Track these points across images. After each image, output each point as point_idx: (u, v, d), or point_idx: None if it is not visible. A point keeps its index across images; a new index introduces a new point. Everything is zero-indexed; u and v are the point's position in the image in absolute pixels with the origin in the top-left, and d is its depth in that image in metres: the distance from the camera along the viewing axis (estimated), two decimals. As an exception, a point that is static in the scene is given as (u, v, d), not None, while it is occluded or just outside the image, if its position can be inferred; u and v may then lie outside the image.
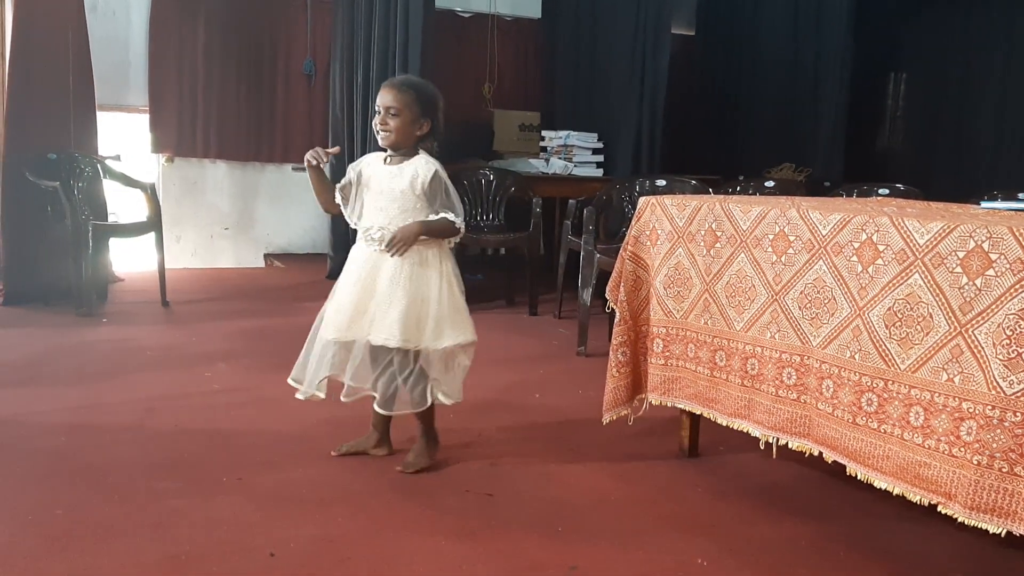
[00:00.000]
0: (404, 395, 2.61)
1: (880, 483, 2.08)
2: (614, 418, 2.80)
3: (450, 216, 2.54)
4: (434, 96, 2.60)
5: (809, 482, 2.70)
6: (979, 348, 1.86)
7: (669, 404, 2.75)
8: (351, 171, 2.66)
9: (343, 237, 5.90)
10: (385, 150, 2.62)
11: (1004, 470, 1.79)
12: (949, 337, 1.92)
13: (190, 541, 2.13)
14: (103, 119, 5.68)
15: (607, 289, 2.85)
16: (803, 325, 2.30)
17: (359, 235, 2.65)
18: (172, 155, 6.54)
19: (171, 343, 4.25)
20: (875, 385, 2.08)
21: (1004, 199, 3.95)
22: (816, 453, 2.29)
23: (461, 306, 2.63)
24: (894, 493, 2.05)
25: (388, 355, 2.57)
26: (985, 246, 1.86)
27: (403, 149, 2.59)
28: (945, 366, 1.93)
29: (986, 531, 1.84)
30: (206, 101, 6.54)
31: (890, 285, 2.05)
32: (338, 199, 2.66)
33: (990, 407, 1.82)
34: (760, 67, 6.85)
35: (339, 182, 2.67)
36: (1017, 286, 1.80)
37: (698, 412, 2.68)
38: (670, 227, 2.70)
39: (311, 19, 6.79)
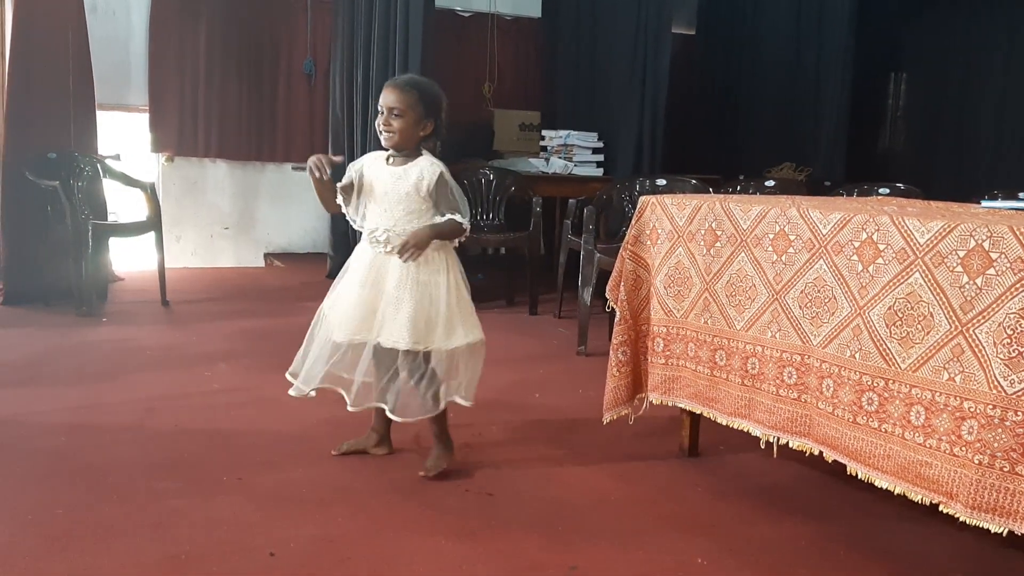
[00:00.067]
0: (416, 399, 2.58)
1: (881, 482, 2.08)
2: (614, 417, 2.80)
3: (457, 217, 2.52)
4: (438, 96, 2.58)
5: (809, 482, 2.70)
6: (980, 347, 1.86)
7: (669, 403, 2.74)
8: (351, 170, 2.64)
9: (343, 237, 5.90)
10: (387, 149, 2.60)
11: (1005, 469, 1.79)
12: (950, 336, 1.92)
13: (190, 541, 2.13)
14: (103, 119, 5.68)
15: (607, 288, 2.84)
16: (803, 324, 2.29)
17: (363, 237, 2.63)
18: (172, 154, 6.54)
19: (171, 343, 4.25)
20: (876, 384, 2.08)
21: (1005, 198, 3.94)
22: (816, 452, 2.28)
23: (469, 305, 2.62)
24: (895, 493, 2.05)
25: (395, 357, 2.56)
26: (986, 245, 1.85)
27: (406, 150, 2.57)
28: (946, 365, 1.92)
29: (986, 531, 1.84)
30: (206, 101, 6.54)
31: (890, 284, 2.05)
32: (339, 200, 2.64)
33: (991, 406, 1.81)
34: (761, 67, 6.85)
35: (340, 181, 2.66)
36: (1018, 285, 1.80)
37: (698, 411, 2.68)
38: (670, 226, 2.70)
39: (311, 19, 6.79)
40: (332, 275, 5.77)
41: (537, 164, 6.15)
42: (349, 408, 2.61)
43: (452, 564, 2.08)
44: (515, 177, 5.68)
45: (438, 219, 2.53)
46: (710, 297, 2.58)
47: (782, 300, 2.36)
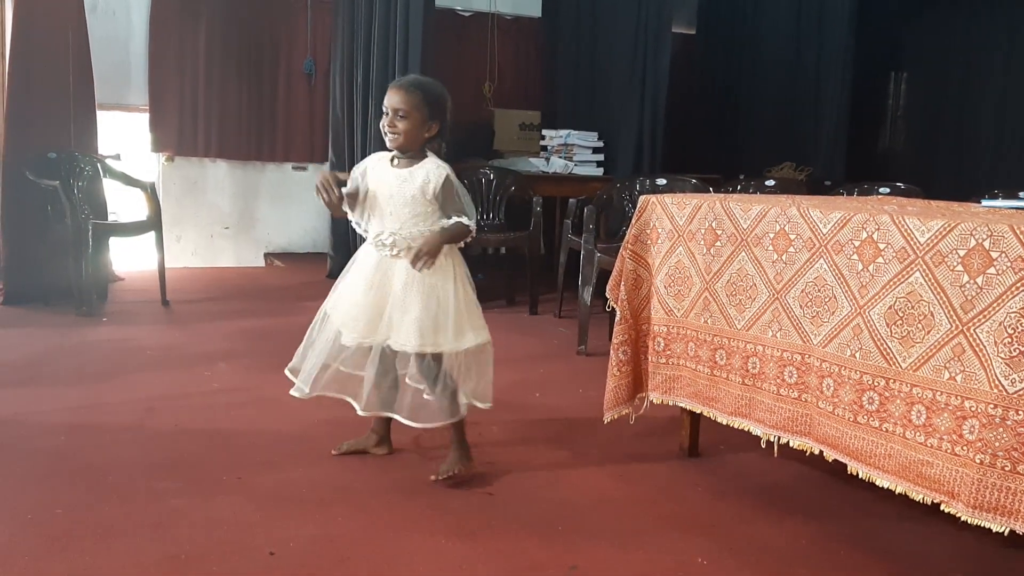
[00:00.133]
0: (433, 404, 2.56)
1: (882, 482, 2.08)
2: (615, 417, 2.80)
3: (464, 220, 2.49)
4: (442, 97, 2.55)
5: (810, 481, 2.70)
6: (981, 346, 1.85)
7: (670, 403, 2.74)
8: (356, 173, 2.61)
9: (343, 237, 5.90)
10: (391, 150, 2.57)
11: (1007, 468, 1.79)
12: (950, 335, 1.92)
13: (190, 541, 2.13)
14: (103, 118, 5.68)
15: (607, 288, 2.84)
16: (804, 324, 2.29)
17: (369, 239, 2.61)
18: (172, 154, 6.54)
19: (171, 343, 4.25)
20: (876, 384, 2.08)
21: (1005, 198, 3.94)
22: (817, 452, 2.28)
23: (476, 306, 2.60)
24: (896, 492, 2.05)
25: (394, 360, 2.55)
26: (986, 244, 1.85)
27: (411, 151, 2.54)
28: (947, 364, 1.92)
29: (987, 531, 1.83)
30: (206, 100, 6.55)
31: (891, 283, 2.05)
32: (345, 207, 2.57)
33: (992, 405, 1.81)
34: (761, 67, 6.84)
35: (345, 186, 2.58)
36: (1018, 284, 1.79)
37: (698, 411, 2.68)
38: (670, 226, 2.70)
39: (311, 19, 6.79)
40: (332, 275, 5.80)
41: (537, 164, 6.15)
42: (360, 413, 2.60)
43: (452, 564, 2.08)
44: (515, 177, 5.68)
45: (445, 222, 2.50)
46: (710, 296, 2.58)
47: (782, 299, 2.36)
